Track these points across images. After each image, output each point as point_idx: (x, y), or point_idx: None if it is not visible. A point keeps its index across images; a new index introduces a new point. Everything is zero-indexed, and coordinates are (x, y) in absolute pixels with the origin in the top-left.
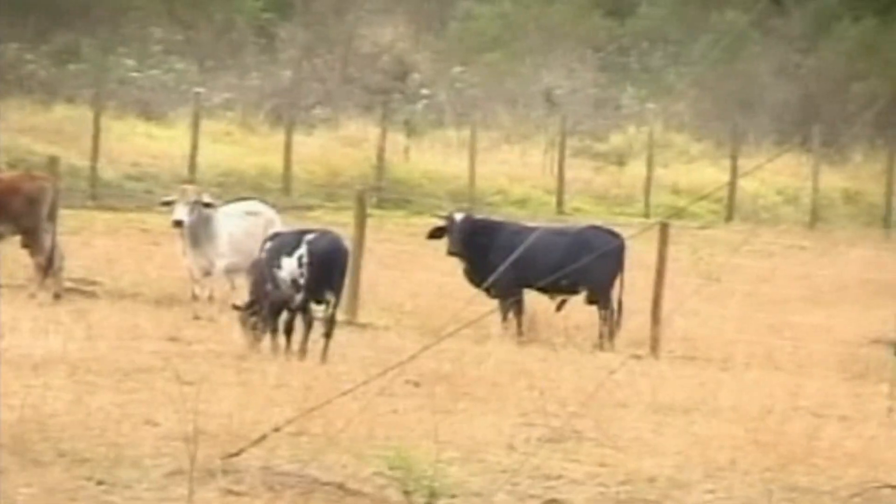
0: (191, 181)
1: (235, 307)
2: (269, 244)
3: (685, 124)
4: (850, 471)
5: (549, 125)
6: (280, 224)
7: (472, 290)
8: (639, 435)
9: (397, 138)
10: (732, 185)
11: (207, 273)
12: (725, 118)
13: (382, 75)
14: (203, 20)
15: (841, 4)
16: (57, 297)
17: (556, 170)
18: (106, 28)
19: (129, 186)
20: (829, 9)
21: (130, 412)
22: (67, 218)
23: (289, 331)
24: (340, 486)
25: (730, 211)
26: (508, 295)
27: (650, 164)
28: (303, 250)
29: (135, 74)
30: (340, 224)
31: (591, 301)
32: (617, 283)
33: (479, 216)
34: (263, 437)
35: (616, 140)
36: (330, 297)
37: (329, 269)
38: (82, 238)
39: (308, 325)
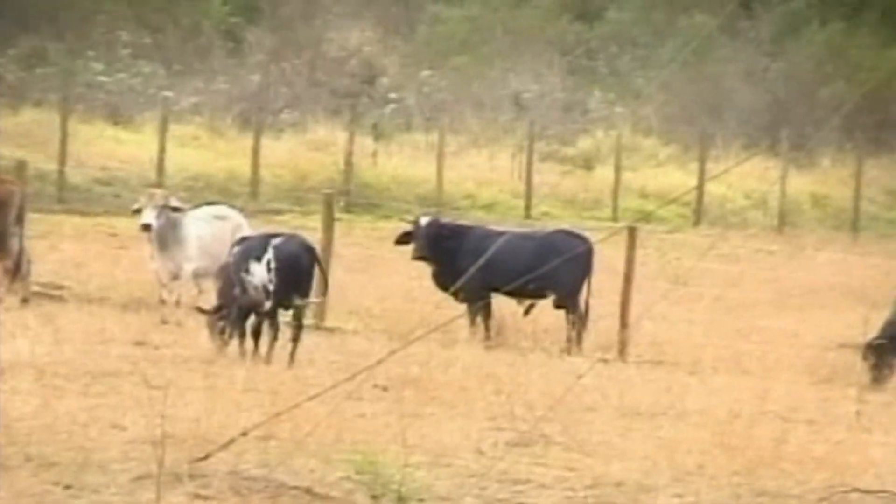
0: (159, 185)
1: (203, 311)
2: (236, 248)
3: (653, 128)
4: (817, 475)
5: (518, 129)
6: (248, 228)
7: (440, 295)
8: (606, 439)
9: (365, 142)
10: (700, 189)
11: (175, 277)
12: (694, 122)
13: (350, 79)
14: (171, 24)
15: (809, 8)
16: (24, 301)
17: (524, 174)
18: (74, 32)
19: (96, 190)
20: (797, 13)
21: (98, 416)
22: (35, 222)
23: (256, 335)
24: (308, 491)
25: (698, 215)
26: (476, 299)
27: (618, 168)
28: (270, 255)
29: (102, 78)
30: (308, 228)
31: (558, 305)
32: (585, 287)
33: (446, 220)
34: (231, 442)
35: (584, 144)
36: (298, 302)
37: (297, 274)
38: (50, 242)
39: (275, 330)
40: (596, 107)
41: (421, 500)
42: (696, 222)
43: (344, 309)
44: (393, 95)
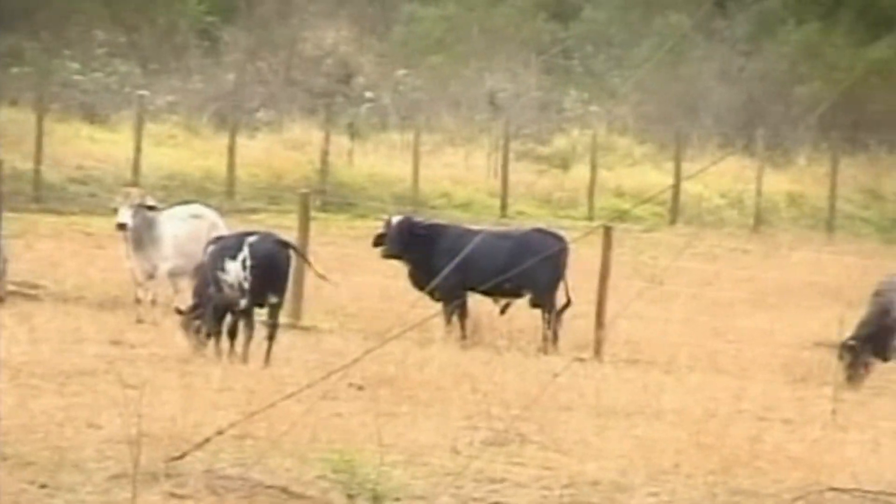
0: (134, 184)
1: (178, 311)
2: (211, 247)
3: (629, 127)
4: (793, 474)
5: (493, 128)
6: (224, 227)
7: (416, 294)
8: (582, 438)
9: (341, 141)
10: (676, 188)
11: (151, 276)
12: (669, 121)
13: (326, 78)
14: (146, 23)
15: (784, 8)
16: (0, 300)
17: (499, 173)
18: (49, 31)
19: (72, 189)
20: (773, 12)
21: (73, 415)
22: (11, 221)
23: (232, 334)
24: (284, 490)
25: (673, 214)
26: (452, 298)
27: (594, 167)
28: (245, 253)
29: (78, 77)
30: (284, 227)
31: (534, 304)
32: (560, 286)
33: (419, 219)
34: (207, 441)
35: (560, 143)
36: (273, 300)
37: (271, 272)
38: (25, 241)
39: (251, 329)
40: (571, 106)
41: (397, 499)
42: (672, 221)
43: (320, 308)
44: (368, 94)
